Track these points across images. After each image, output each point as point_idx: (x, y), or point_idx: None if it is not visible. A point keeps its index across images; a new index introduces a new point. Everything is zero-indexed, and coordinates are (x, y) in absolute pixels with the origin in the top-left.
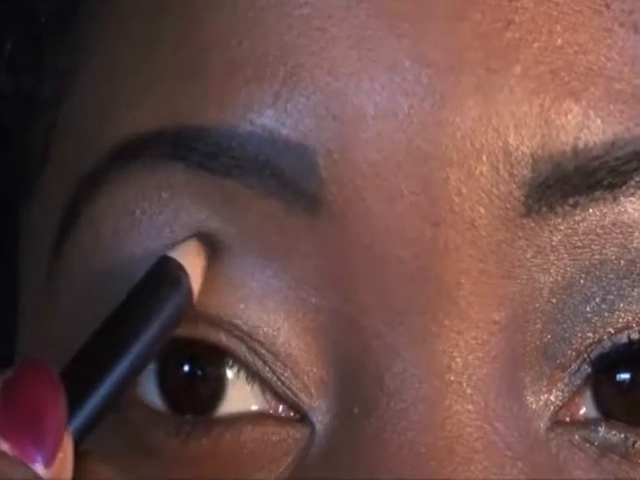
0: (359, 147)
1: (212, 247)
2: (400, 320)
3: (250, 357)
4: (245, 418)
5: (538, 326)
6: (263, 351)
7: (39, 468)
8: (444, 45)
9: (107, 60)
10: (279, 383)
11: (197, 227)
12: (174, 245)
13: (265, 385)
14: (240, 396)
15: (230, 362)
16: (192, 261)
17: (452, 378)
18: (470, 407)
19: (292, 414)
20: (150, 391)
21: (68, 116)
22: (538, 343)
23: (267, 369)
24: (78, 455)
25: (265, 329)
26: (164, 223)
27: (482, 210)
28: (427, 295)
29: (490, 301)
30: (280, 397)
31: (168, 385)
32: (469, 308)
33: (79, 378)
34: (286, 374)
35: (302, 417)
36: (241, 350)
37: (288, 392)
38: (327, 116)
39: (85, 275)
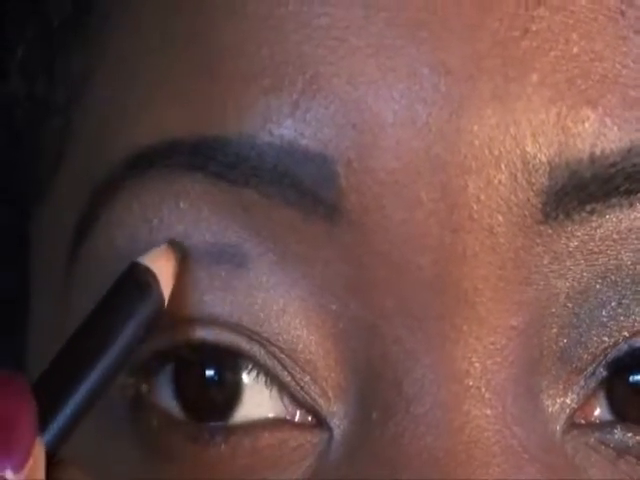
0: (378, 155)
1: (232, 256)
2: (419, 326)
3: (270, 362)
4: (263, 424)
5: (554, 331)
6: (283, 356)
7: (8, 474)
8: (462, 53)
9: (120, 65)
10: (298, 388)
11: (216, 237)
12: (188, 253)
13: (284, 390)
14: (257, 401)
15: (249, 367)
16: (162, 266)
17: (471, 383)
18: (488, 411)
19: (310, 419)
20: (166, 397)
21: (81, 120)
22: (554, 347)
23: (286, 374)
24: (53, 463)
25: (285, 336)
26: (182, 233)
27: (500, 217)
28: (445, 301)
29: (508, 307)
30: (298, 402)
31: (184, 391)
32: (487, 314)
33: (53, 387)
34: (305, 379)
35: (320, 422)
36: (261, 355)
37: (307, 397)
38: (346, 125)
39: (100, 280)
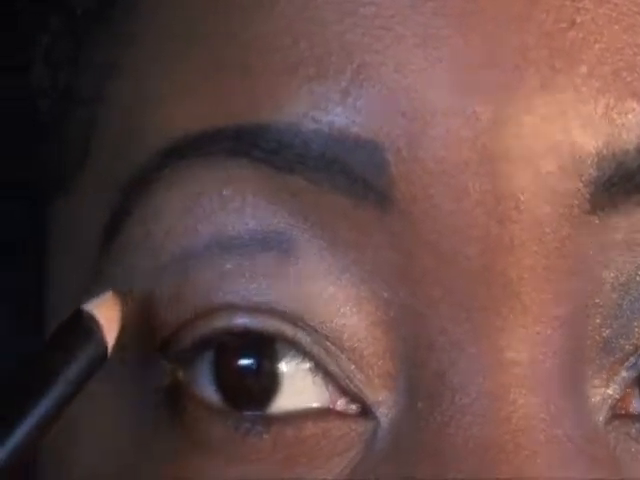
0: (427, 144)
1: (279, 243)
2: (465, 316)
3: (316, 350)
4: (306, 413)
5: (598, 321)
6: (329, 344)
7: None
8: (510, 44)
9: (149, 57)
10: (344, 377)
11: (262, 224)
12: (233, 242)
13: (329, 378)
14: (299, 390)
15: (293, 355)
16: (107, 313)
17: (517, 372)
18: (534, 400)
19: (354, 408)
20: (205, 385)
21: (107, 112)
22: (598, 338)
23: (332, 362)
24: None
25: (333, 323)
26: (226, 221)
27: (548, 207)
28: (492, 291)
29: (553, 296)
30: (343, 391)
31: (223, 379)
32: (533, 303)
33: None
34: (351, 368)
35: (364, 411)
36: (307, 343)
37: (352, 386)
38: (396, 113)
39: (135, 275)
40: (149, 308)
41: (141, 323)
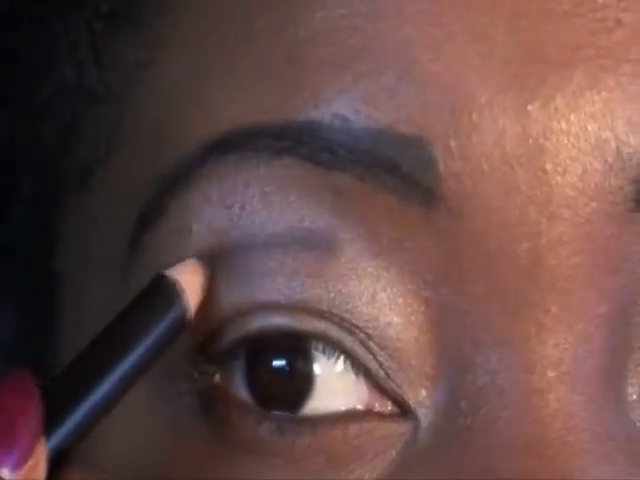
0: (476, 141)
1: (321, 242)
2: (512, 313)
3: (357, 349)
4: (349, 414)
5: (637, 319)
6: (371, 344)
7: (4, 472)
8: (558, 42)
9: (189, 53)
10: (385, 376)
11: (304, 222)
12: (275, 239)
13: (368, 378)
14: (333, 391)
15: (328, 356)
16: (190, 279)
17: (563, 370)
18: (578, 398)
19: (395, 409)
20: (240, 387)
21: (138, 109)
22: (637, 336)
23: (374, 362)
24: (61, 465)
25: (375, 323)
26: (268, 218)
27: (595, 204)
28: (540, 288)
29: (597, 294)
30: (384, 391)
31: (258, 381)
32: (579, 301)
33: (67, 390)
34: (393, 367)
35: (404, 412)
36: (348, 342)
37: (393, 386)
38: (445, 110)
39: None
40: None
41: None
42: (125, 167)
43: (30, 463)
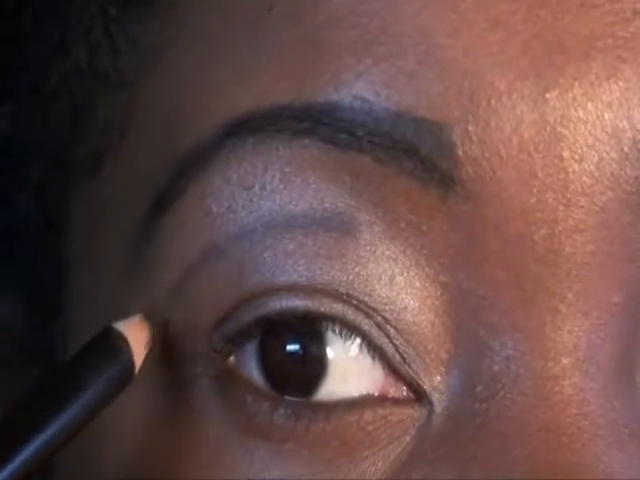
0: (495, 127)
1: (340, 224)
2: (529, 299)
3: (374, 333)
4: (360, 399)
5: None
6: (388, 327)
7: None
8: (577, 32)
9: (206, 37)
10: (401, 360)
11: (324, 203)
12: (295, 220)
13: (383, 363)
14: (347, 376)
15: (343, 340)
16: (136, 335)
17: (579, 357)
18: (593, 385)
19: (409, 394)
20: (254, 371)
21: (155, 93)
22: None
23: (391, 346)
24: None
25: (392, 306)
26: (288, 199)
27: (611, 193)
28: (557, 275)
29: (612, 283)
30: (400, 376)
31: (270, 364)
32: (594, 289)
33: (6, 442)
34: (409, 351)
35: (419, 397)
36: (366, 325)
37: (409, 370)
38: (464, 96)
39: (187, 250)
40: (204, 287)
41: (194, 303)
42: (139, 152)
43: None
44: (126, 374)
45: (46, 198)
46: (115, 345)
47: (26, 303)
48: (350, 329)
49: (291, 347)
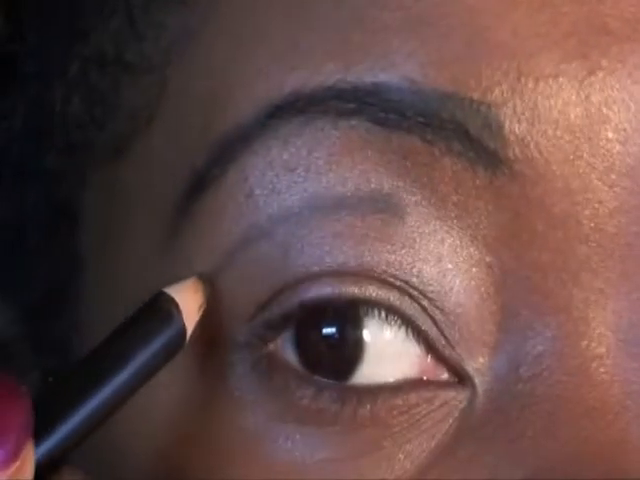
0: (542, 108)
1: (387, 205)
2: (574, 280)
3: (419, 316)
4: (407, 383)
5: None
6: (434, 309)
7: None
8: (620, 15)
9: (243, 15)
10: (445, 343)
11: (371, 185)
12: (342, 202)
13: (428, 346)
14: (387, 358)
15: (381, 324)
16: (188, 298)
17: (621, 337)
18: (635, 365)
19: (451, 377)
20: (291, 357)
21: (187, 79)
22: None
23: (435, 329)
24: (52, 471)
25: (438, 287)
26: (334, 180)
27: None
28: (601, 256)
29: None
30: (442, 358)
31: (309, 349)
32: (636, 269)
33: (61, 401)
34: (453, 334)
35: (462, 379)
36: (410, 309)
37: (453, 353)
38: (511, 76)
39: (227, 234)
40: (245, 271)
41: (234, 288)
42: (170, 135)
43: (18, 464)
44: (177, 339)
45: (60, 187)
46: (166, 310)
47: (32, 299)
48: (393, 314)
49: (327, 330)
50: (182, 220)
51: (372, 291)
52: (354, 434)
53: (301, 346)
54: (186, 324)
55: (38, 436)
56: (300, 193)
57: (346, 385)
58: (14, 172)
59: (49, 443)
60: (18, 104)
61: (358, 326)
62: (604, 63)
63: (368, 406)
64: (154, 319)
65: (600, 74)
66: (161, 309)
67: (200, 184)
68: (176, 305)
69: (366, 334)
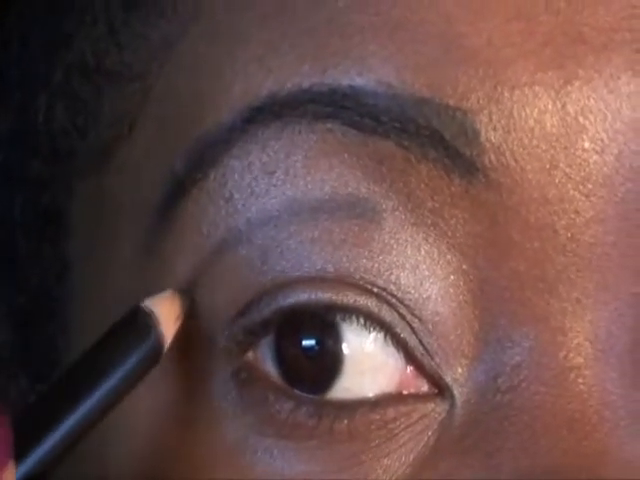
0: (518, 117)
1: (364, 210)
2: (550, 290)
3: (398, 324)
4: (384, 397)
5: None
6: (411, 317)
7: None
8: (596, 24)
9: (223, 19)
10: (424, 352)
11: (348, 189)
12: (320, 206)
13: (407, 354)
14: (363, 372)
15: (358, 334)
16: (165, 310)
17: (599, 347)
18: (613, 375)
19: (430, 389)
20: (270, 366)
21: (168, 85)
22: None
23: (414, 337)
24: None
25: (415, 294)
26: (312, 183)
27: (630, 184)
28: (578, 266)
29: (631, 273)
30: (421, 368)
31: (286, 360)
32: (614, 280)
33: (40, 419)
34: (431, 342)
35: (440, 390)
36: (389, 316)
37: (432, 362)
38: (488, 84)
39: (207, 237)
40: (224, 276)
41: (213, 293)
42: (152, 141)
43: None
44: (155, 351)
45: (46, 194)
46: (144, 322)
47: (19, 303)
48: (372, 321)
49: (306, 342)
50: (163, 224)
51: (351, 298)
52: (332, 449)
53: (280, 358)
54: (164, 337)
55: (18, 456)
56: (279, 196)
57: (324, 400)
58: (0, 179)
59: (29, 462)
60: (2, 112)
61: (337, 337)
62: (580, 72)
63: (345, 421)
64: (131, 333)
65: (576, 83)
66: (138, 323)
67: (181, 188)
68: (153, 318)
69: (345, 347)
